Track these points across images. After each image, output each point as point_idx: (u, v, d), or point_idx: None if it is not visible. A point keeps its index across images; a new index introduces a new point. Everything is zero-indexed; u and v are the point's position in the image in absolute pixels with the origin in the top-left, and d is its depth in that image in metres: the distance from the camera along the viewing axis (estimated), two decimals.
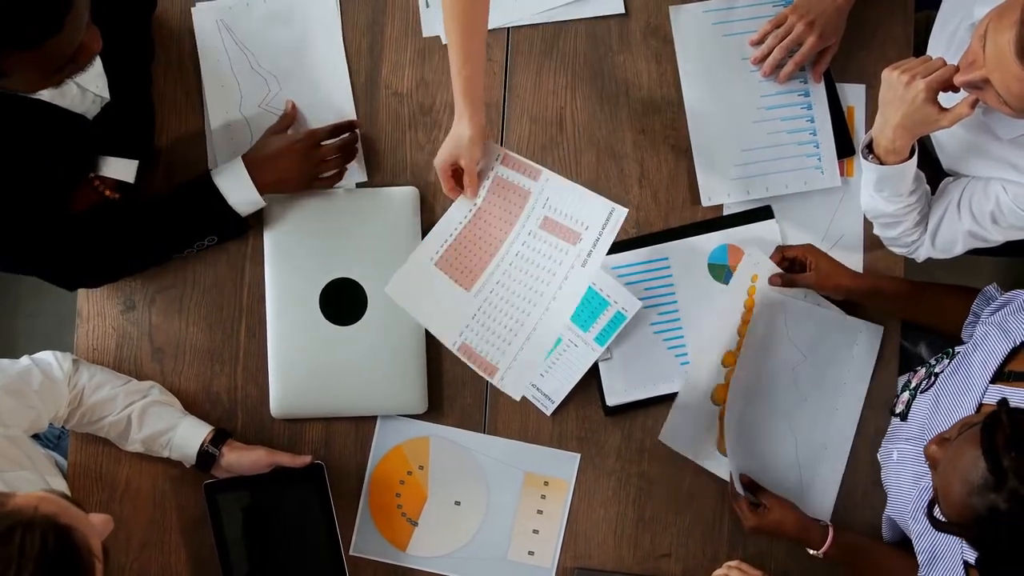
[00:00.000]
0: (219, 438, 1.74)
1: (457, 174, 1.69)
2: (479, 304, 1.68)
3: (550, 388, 1.81)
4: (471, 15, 1.58)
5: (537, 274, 1.67)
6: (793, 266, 1.77)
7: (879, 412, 1.80)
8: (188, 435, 1.73)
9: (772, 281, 1.75)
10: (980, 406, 1.46)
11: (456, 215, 1.72)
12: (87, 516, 1.18)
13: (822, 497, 1.81)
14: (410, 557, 1.83)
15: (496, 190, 1.70)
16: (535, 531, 1.82)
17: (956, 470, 1.23)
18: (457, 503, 1.83)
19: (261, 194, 1.72)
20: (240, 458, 1.73)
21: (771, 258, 1.77)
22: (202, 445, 1.72)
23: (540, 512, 1.83)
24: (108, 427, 1.73)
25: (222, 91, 1.84)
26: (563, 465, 1.82)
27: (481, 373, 1.65)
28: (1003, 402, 1.24)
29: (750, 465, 1.79)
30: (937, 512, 1.30)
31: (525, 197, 1.68)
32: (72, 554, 1.12)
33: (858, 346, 1.81)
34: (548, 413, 1.82)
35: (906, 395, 1.64)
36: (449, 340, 1.68)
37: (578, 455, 1.82)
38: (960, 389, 1.51)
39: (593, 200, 1.64)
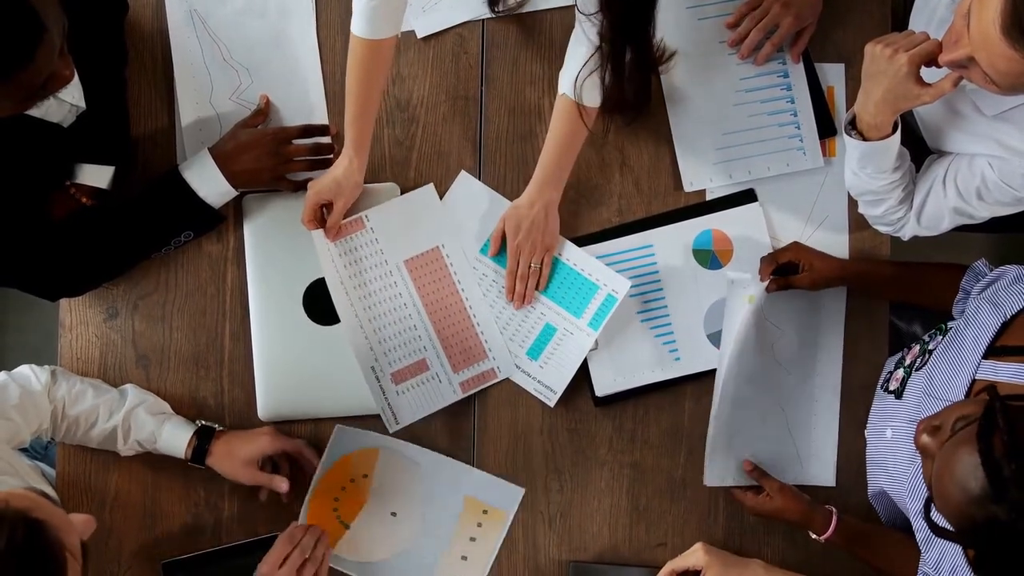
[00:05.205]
0: (204, 439, 1.71)
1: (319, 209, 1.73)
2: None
3: (551, 380, 1.79)
4: (373, 67, 1.62)
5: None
6: (785, 269, 1.75)
7: (867, 392, 1.78)
8: (171, 443, 1.71)
9: (769, 288, 1.74)
10: (973, 382, 1.45)
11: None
12: (65, 514, 1.17)
13: (822, 464, 1.80)
14: (333, 556, 1.77)
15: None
16: (463, 557, 1.79)
17: (952, 475, 1.19)
18: (393, 514, 1.79)
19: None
20: (223, 467, 1.72)
21: (761, 269, 1.75)
22: (186, 457, 1.71)
23: (473, 540, 1.79)
24: (95, 439, 1.71)
25: (193, 82, 1.82)
26: (506, 496, 1.79)
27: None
28: (993, 393, 1.19)
29: (750, 451, 1.78)
30: (934, 514, 1.27)
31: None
32: (42, 549, 1.10)
33: (824, 306, 1.81)
34: (551, 404, 1.79)
35: (900, 372, 1.63)
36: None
37: (522, 490, 1.80)
38: (953, 365, 1.50)
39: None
